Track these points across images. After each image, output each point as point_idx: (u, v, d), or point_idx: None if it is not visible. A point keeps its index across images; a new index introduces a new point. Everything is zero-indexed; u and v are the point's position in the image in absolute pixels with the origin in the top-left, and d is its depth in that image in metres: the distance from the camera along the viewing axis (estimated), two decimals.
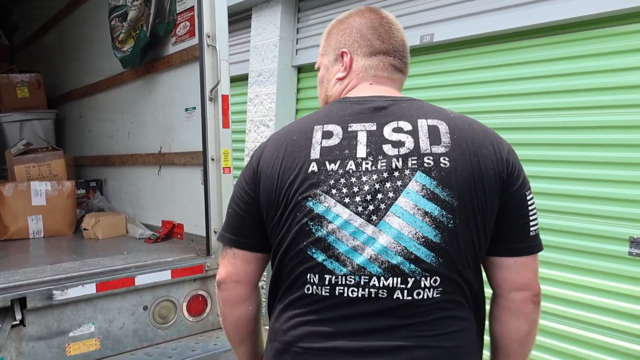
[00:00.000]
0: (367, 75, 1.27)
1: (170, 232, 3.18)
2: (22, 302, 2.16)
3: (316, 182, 1.12)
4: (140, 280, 2.47)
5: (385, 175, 1.10)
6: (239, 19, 5.43)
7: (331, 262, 1.11)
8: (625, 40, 2.81)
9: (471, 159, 1.10)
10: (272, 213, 1.18)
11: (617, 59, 2.84)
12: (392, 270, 1.08)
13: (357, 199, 1.09)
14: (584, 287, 2.95)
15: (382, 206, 1.09)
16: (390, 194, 1.09)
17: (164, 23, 3.02)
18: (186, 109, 3.01)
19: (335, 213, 1.10)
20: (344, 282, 1.10)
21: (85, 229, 3.32)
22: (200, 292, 2.68)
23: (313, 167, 1.13)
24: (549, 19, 3.02)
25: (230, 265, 1.26)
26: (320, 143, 1.15)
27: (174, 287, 2.60)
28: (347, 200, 1.10)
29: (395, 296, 1.08)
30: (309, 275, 1.13)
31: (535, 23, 3.08)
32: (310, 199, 1.11)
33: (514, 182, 1.14)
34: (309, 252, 1.12)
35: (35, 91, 4.43)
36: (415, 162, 1.09)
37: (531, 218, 1.16)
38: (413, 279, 1.08)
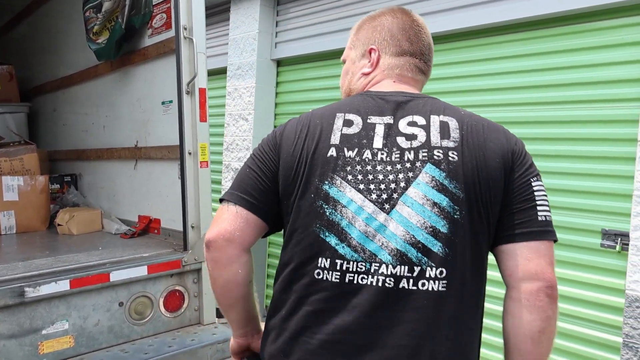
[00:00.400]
0: (392, 74, 1.31)
1: (147, 227, 3.14)
2: None
3: (334, 167, 1.16)
4: (116, 276, 2.43)
5: (398, 166, 1.14)
6: (217, 11, 5.38)
7: (343, 247, 1.12)
8: (600, 35, 2.85)
9: (477, 153, 1.14)
10: (288, 190, 1.20)
11: (590, 55, 2.89)
12: (400, 258, 1.10)
13: (372, 186, 1.13)
14: (559, 279, 2.99)
15: (394, 195, 1.12)
16: (402, 184, 1.13)
17: (140, 15, 2.97)
18: (163, 103, 2.97)
19: (350, 198, 1.13)
20: (354, 269, 1.11)
21: (59, 225, 3.26)
22: (177, 288, 2.66)
23: (332, 152, 1.17)
24: (540, 12, 3.03)
25: (227, 222, 1.24)
26: (341, 130, 1.19)
27: (151, 283, 2.57)
28: (361, 186, 1.14)
29: (401, 285, 1.10)
30: (320, 259, 1.14)
31: (529, 15, 3.09)
32: (326, 182, 1.15)
33: (518, 168, 1.17)
34: (321, 235, 1.14)
35: (7, 84, 4.32)
36: (425, 154, 1.14)
37: (538, 202, 1.15)
38: (419, 267, 1.10)
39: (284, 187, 1.21)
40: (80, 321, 2.37)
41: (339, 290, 1.12)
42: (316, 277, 1.14)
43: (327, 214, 1.14)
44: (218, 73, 5.32)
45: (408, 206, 1.11)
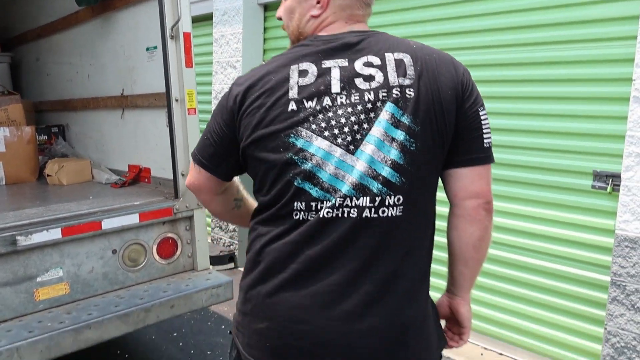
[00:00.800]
0: (343, 15, 1.30)
1: (137, 177, 3.12)
2: None
3: (297, 120, 1.20)
4: (107, 224, 2.44)
5: (359, 107, 1.19)
6: None
7: (316, 190, 1.20)
8: None
9: (432, 87, 1.21)
10: (257, 150, 1.24)
11: None
12: (363, 191, 1.19)
13: (336, 131, 1.19)
14: (549, 221, 3.04)
15: (358, 136, 1.19)
16: (365, 125, 1.19)
17: None
18: (147, 49, 2.89)
19: (317, 146, 1.19)
20: (326, 207, 1.20)
21: (48, 175, 3.23)
22: (169, 235, 2.67)
23: (292, 106, 1.20)
24: None
25: (194, 177, 1.43)
26: (297, 82, 1.22)
27: (143, 231, 2.58)
28: (326, 133, 1.19)
29: (364, 215, 1.19)
30: (295, 203, 1.22)
31: None
32: (292, 135, 1.20)
33: (468, 99, 1.25)
34: (295, 183, 1.21)
35: None
36: (385, 94, 1.19)
37: (484, 131, 1.27)
38: (380, 197, 1.19)
39: (250, 145, 1.25)
40: (75, 268, 2.38)
41: (314, 228, 1.21)
42: (294, 217, 1.23)
43: (299, 164, 1.20)
44: (204, 19, 5.17)
45: (371, 144, 1.19)
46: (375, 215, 1.19)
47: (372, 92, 1.19)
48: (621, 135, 2.69)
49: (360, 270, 1.20)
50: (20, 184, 3.28)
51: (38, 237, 2.24)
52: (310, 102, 1.20)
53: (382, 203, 1.19)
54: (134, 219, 2.52)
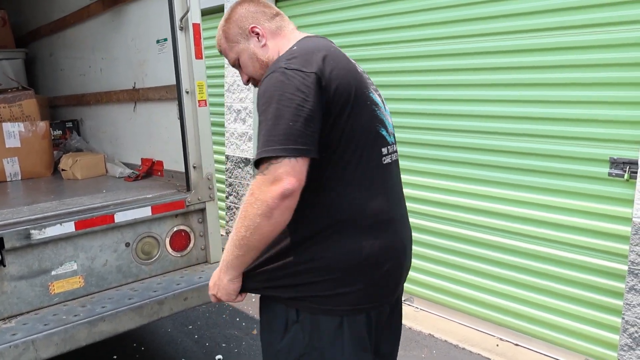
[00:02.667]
0: (286, 29, 1.59)
1: (150, 170, 3.14)
2: (0, 243, 2.14)
3: (366, 80, 1.51)
4: (120, 217, 2.45)
5: (370, 82, 1.55)
6: None
7: (388, 136, 1.52)
8: None
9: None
10: (347, 109, 1.38)
11: None
12: (392, 138, 1.56)
13: (374, 92, 1.54)
14: (565, 209, 2.99)
15: (380, 103, 1.55)
16: (377, 99, 1.53)
17: None
18: (157, 41, 2.88)
19: (376, 99, 1.51)
20: (392, 150, 1.54)
21: (63, 170, 3.26)
22: (182, 228, 2.68)
23: (359, 68, 1.52)
24: None
25: (301, 173, 1.28)
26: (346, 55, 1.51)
27: (156, 223, 2.59)
28: (373, 91, 1.53)
29: (395, 158, 1.58)
30: (382, 149, 1.48)
31: None
32: (369, 91, 1.48)
33: None
34: (379, 130, 1.47)
35: (1, 29, 4.22)
36: (374, 86, 1.58)
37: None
38: (393, 145, 1.58)
39: (340, 107, 1.37)
40: (89, 262, 2.41)
41: (393, 169, 1.53)
42: (383, 162, 1.48)
43: (377, 113, 1.47)
44: (215, 12, 5.16)
45: (383, 108, 1.57)
46: (395, 159, 1.57)
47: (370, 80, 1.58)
48: (638, 121, 2.62)
49: (402, 199, 1.59)
50: (36, 179, 3.32)
51: (52, 231, 2.26)
52: (360, 70, 1.52)
53: (394, 150, 1.56)
54: (146, 211, 2.53)
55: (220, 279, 1.49)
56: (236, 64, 1.62)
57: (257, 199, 1.27)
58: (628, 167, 2.70)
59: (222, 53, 1.64)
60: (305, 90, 1.30)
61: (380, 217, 1.44)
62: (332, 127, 1.36)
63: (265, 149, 1.27)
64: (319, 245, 1.40)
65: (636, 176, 2.64)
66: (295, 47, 1.44)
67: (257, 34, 1.55)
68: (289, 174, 1.26)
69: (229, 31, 1.58)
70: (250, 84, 1.66)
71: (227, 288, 1.49)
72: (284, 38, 1.57)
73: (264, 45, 1.56)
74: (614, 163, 2.76)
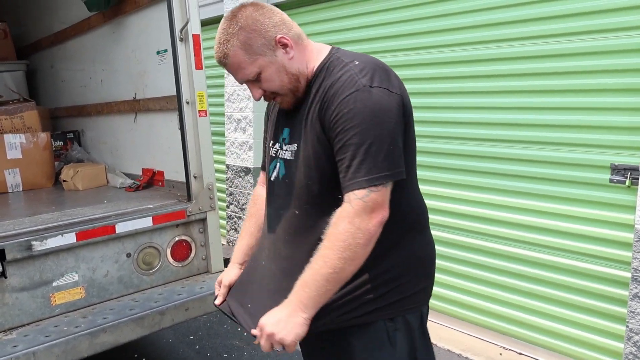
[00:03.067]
0: (304, 37, 1.46)
1: (151, 180, 3.14)
2: (1, 254, 2.14)
3: None
4: (121, 227, 2.45)
5: None
6: None
7: None
8: None
9: None
10: (411, 124, 1.41)
11: None
12: None
13: None
14: (567, 216, 2.98)
15: None
16: None
17: None
18: (158, 52, 2.90)
19: None
20: None
21: (64, 181, 3.27)
22: (183, 238, 2.68)
23: None
24: None
25: (389, 196, 1.31)
26: None
27: (157, 234, 2.59)
28: None
29: None
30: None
31: None
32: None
33: None
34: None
35: (2, 41, 4.25)
36: None
37: None
38: None
39: (408, 128, 1.39)
40: (90, 273, 2.40)
41: None
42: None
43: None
44: (215, 22, 5.18)
45: None
46: None
47: None
48: (638, 127, 2.63)
49: None
50: (37, 190, 3.32)
51: (53, 242, 2.26)
52: None
53: None
54: (147, 222, 2.53)
55: (290, 320, 1.30)
56: (252, 79, 1.41)
57: (359, 229, 1.24)
58: (629, 174, 2.70)
59: (233, 67, 1.40)
60: (396, 112, 1.30)
61: (427, 214, 1.54)
62: (404, 143, 1.35)
63: (370, 177, 1.25)
64: (399, 250, 1.42)
65: (637, 182, 2.64)
66: (356, 62, 1.36)
67: (285, 45, 1.38)
68: (386, 200, 1.28)
69: (250, 42, 1.35)
70: (261, 99, 1.48)
71: (298, 330, 1.31)
72: (306, 48, 1.45)
73: (292, 57, 1.40)
74: (615, 169, 2.76)
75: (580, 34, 2.84)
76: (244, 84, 1.45)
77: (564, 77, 2.92)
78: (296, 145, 1.43)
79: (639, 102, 2.65)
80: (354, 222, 1.24)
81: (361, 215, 1.24)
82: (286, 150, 1.48)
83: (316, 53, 1.45)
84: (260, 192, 1.72)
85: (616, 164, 2.75)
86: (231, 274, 1.70)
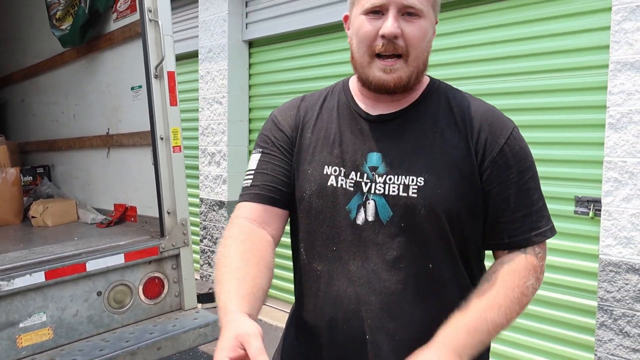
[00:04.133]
0: None
1: (123, 216, 3.11)
2: None
3: None
4: (92, 265, 2.41)
5: None
6: None
7: None
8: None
9: None
10: None
11: (556, 24, 2.90)
12: None
13: None
14: None
15: None
16: None
17: None
18: (132, 88, 2.92)
19: None
20: None
21: (33, 217, 3.21)
22: (156, 275, 2.64)
23: None
24: None
25: None
26: None
27: (128, 271, 2.55)
28: None
29: None
30: None
31: None
32: None
33: None
34: None
35: None
36: None
37: None
38: None
39: None
40: (59, 312, 2.34)
41: None
42: None
43: None
44: (190, 57, 5.23)
45: None
46: None
47: None
48: (600, 160, 2.74)
49: None
50: (4, 227, 3.25)
51: (21, 282, 2.20)
52: None
53: None
54: (119, 259, 2.49)
55: None
56: (414, 10, 1.08)
57: (538, 287, 1.14)
58: (592, 205, 2.80)
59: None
60: None
61: None
62: None
63: (551, 227, 1.16)
64: None
65: (600, 214, 2.74)
66: (466, 95, 1.23)
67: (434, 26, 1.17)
68: None
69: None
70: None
71: None
72: None
73: (431, 41, 1.17)
74: (579, 201, 2.86)
75: (543, 73, 2.98)
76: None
77: (530, 113, 3.03)
78: (412, 178, 1.11)
79: (598, 136, 2.77)
80: (539, 279, 1.14)
81: (544, 272, 1.15)
82: (386, 183, 1.13)
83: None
84: (257, 232, 1.18)
85: (580, 196, 2.85)
86: (247, 327, 0.93)
